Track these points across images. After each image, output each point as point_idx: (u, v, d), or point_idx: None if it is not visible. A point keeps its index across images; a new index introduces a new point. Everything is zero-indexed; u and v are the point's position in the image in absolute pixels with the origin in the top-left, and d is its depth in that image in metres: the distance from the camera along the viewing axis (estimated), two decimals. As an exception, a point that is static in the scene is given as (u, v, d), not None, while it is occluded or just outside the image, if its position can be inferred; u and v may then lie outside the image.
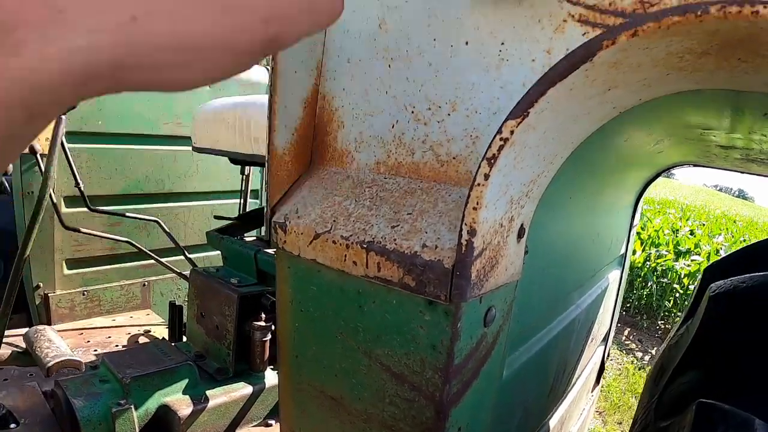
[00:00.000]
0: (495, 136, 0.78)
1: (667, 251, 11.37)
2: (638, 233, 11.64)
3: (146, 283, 4.00)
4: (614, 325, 3.25)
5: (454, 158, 0.99)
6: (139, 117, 3.67)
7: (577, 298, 1.96)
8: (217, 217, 3.39)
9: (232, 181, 4.20)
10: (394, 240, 0.96)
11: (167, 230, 3.54)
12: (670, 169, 3.02)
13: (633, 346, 8.67)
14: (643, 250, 10.98)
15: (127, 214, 3.53)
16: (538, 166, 0.95)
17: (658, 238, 12.15)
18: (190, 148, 3.08)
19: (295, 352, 1.22)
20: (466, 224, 0.83)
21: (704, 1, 0.67)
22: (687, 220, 18.74)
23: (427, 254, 0.91)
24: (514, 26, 0.92)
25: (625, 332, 9.21)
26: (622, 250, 2.91)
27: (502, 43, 0.93)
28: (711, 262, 2.41)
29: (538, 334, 1.55)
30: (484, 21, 0.95)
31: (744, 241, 16.43)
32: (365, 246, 0.99)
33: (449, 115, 1.00)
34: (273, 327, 2.58)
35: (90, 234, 3.29)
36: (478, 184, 0.80)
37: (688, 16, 0.67)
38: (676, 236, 12.96)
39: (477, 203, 0.80)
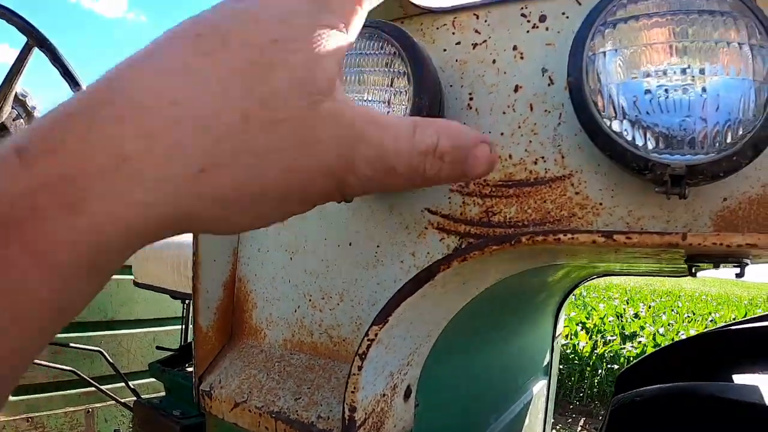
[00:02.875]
0: (363, 337, 0.97)
1: (613, 337, 11.50)
2: (583, 323, 11.84)
3: (90, 410, 3.98)
4: (548, 427, 3.34)
5: (343, 340, 1.19)
6: (81, 245, 3.70)
7: (493, 420, 2.09)
8: (159, 348, 3.47)
9: (174, 308, 4.22)
10: (297, 411, 1.15)
11: (111, 360, 3.58)
12: (590, 279, 3.20)
13: (588, 435, 8.69)
14: (589, 338, 11.13)
15: (71, 344, 3.57)
16: (414, 343, 1.14)
17: (603, 324, 12.31)
18: (131, 277, 3.16)
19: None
20: (347, 404, 1.01)
21: (517, 233, 0.88)
22: (632, 301, 19.03)
23: (321, 424, 1.10)
24: (387, 231, 1.13)
25: (581, 422, 9.22)
26: (546, 360, 3.04)
27: (378, 246, 1.14)
28: (624, 368, 2.55)
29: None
30: (363, 226, 1.17)
31: (689, 317, 16.75)
32: (274, 416, 1.17)
33: (338, 304, 1.20)
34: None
35: (34, 363, 3.31)
36: (353, 374, 0.99)
37: (504, 246, 0.88)
38: (621, 321, 13.15)
39: (354, 388, 0.99)
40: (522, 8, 1.05)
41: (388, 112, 1.00)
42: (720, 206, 0.90)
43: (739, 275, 1.12)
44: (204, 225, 0.39)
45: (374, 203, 1.16)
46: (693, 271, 1.14)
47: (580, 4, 0.99)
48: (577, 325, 11.53)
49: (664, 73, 0.85)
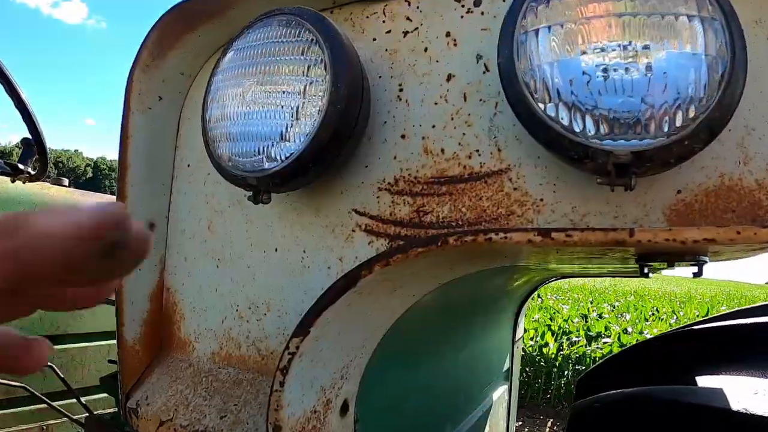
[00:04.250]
0: (284, 350, 0.89)
1: (579, 338, 11.54)
2: (548, 324, 11.87)
3: (44, 427, 3.88)
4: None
5: (271, 353, 1.10)
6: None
7: (449, 430, 2.02)
8: (110, 362, 3.38)
9: (128, 320, 4.15)
10: (222, 430, 1.05)
11: (61, 375, 3.47)
12: (549, 281, 3.15)
13: (557, 437, 8.69)
14: (555, 340, 11.15)
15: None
16: (346, 355, 1.06)
17: (568, 326, 12.34)
18: (81, 290, 3.07)
19: None
20: (270, 423, 0.93)
21: (445, 234, 0.81)
22: (597, 302, 19.14)
23: (247, 445, 1.01)
24: (313, 235, 1.06)
25: (548, 424, 9.24)
26: (507, 365, 2.98)
27: (304, 251, 1.07)
28: (584, 372, 2.49)
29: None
30: (289, 230, 1.09)
31: (653, 314, 16.89)
32: (198, 436, 1.08)
33: (265, 314, 1.12)
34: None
35: (-18, 379, 3.21)
36: (276, 390, 0.91)
37: (430, 248, 0.80)
38: (586, 322, 13.19)
39: (277, 405, 0.91)
40: (456, -8, 0.98)
41: (303, 103, 0.92)
42: (674, 199, 0.83)
43: (697, 275, 1.02)
44: None
45: (299, 205, 1.09)
46: (645, 271, 1.02)
47: (514, -16, 0.91)
48: (545, 326, 11.57)
49: (604, 50, 0.76)
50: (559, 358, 10.75)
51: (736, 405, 1.42)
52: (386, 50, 1.03)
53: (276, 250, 1.11)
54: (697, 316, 15.99)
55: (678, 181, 0.83)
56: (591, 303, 18.98)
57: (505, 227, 0.84)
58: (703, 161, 0.81)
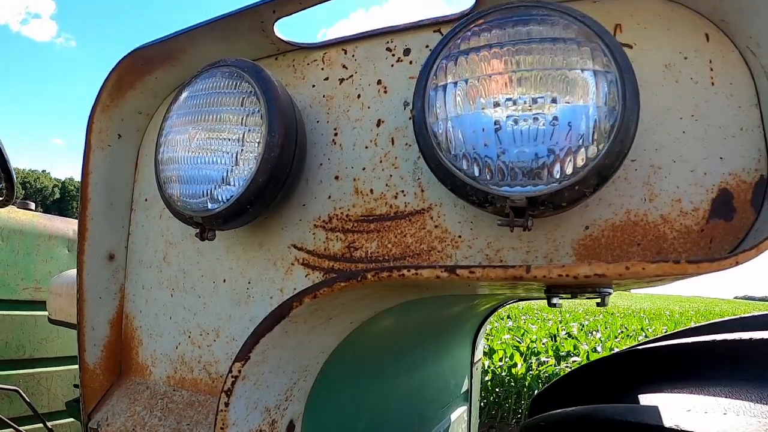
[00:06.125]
0: (227, 374, 0.98)
1: (548, 358, 11.57)
2: (516, 346, 11.91)
3: (12, 451, 3.87)
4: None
5: (221, 376, 1.19)
6: (-4, 282, 3.60)
7: None
8: (76, 386, 3.40)
9: (95, 344, 4.14)
10: (175, 450, 1.14)
11: (27, 400, 3.48)
12: (507, 304, 3.20)
13: (525, 457, 8.67)
14: (525, 361, 11.18)
15: (-16, 386, 3.45)
16: (290, 379, 1.15)
17: (537, 347, 12.36)
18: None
19: None
20: (217, 443, 1.01)
21: (365, 270, 0.90)
22: (566, 321, 19.18)
23: (198, 464, 1.09)
24: (257, 267, 1.15)
25: (517, 443, 9.25)
26: (465, 387, 3.02)
27: (249, 282, 1.16)
28: (539, 391, 2.55)
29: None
30: (236, 263, 1.18)
31: (622, 332, 16.97)
32: (154, 455, 1.16)
33: (215, 341, 1.20)
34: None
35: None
36: (221, 410, 0.99)
37: (351, 282, 0.89)
38: (555, 341, 13.24)
39: (223, 424, 1.00)
40: (388, 42, 1.09)
41: (242, 150, 1.02)
42: (582, 235, 0.93)
43: (601, 304, 1.09)
44: None
45: (245, 239, 1.19)
46: (553, 302, 1.09)
47: (442, 34, 1.02)
48: (513, 348, 11.58)
49: (500, 104, 0.85)
50: (528, 378, 10.76)
51: (668, 422, 1.50)
52: (323, 96, 1.13)
53: (224, 281, 1.20)
54: (665, 332, 16.09)
55: (586, 218, 0.92)
56: (560, 322, 19.04)
57: (416, 264, 0.93)
58: (610, 198, 0.91)
